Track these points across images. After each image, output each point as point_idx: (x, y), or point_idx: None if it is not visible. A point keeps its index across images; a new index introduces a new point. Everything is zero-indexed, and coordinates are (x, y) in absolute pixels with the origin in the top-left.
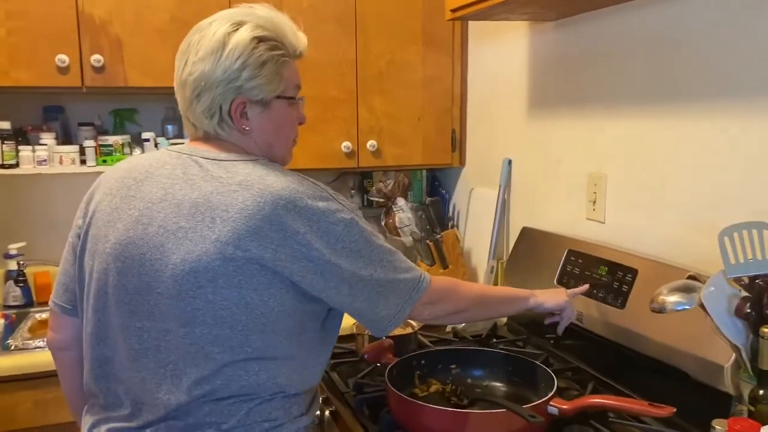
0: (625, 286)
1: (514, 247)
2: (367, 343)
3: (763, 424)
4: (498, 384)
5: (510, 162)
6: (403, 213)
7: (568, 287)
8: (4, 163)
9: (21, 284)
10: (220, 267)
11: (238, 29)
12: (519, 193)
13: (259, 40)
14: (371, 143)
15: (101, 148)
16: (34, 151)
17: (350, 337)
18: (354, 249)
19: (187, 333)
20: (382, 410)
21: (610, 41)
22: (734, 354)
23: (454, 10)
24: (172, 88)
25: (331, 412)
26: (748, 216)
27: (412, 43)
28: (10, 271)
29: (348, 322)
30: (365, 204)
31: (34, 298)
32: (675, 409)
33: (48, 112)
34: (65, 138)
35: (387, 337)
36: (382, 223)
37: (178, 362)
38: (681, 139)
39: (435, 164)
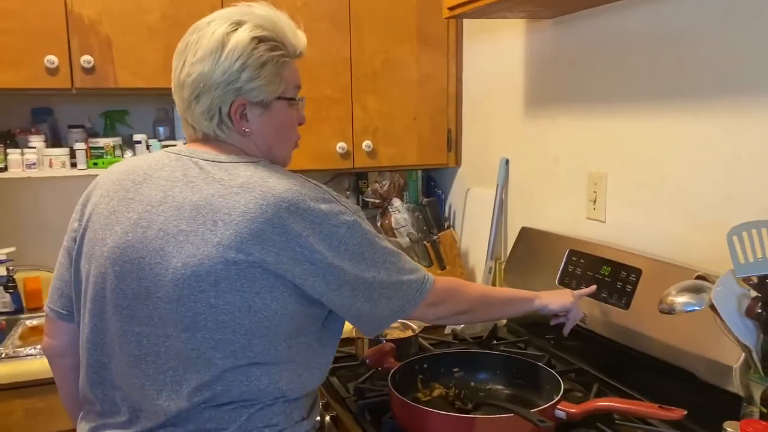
0: (629, 286)
1: (513, 247)
2: (367, 346)
3: None
4: (501, 387)
5: (507, 161)
6: (399, 214)
7: (569, 287)
8: None
9: (11, 290)
10: (223, 271)
11: (237, 29)
12: (517, 192)
13: (259, 40)
14: (366, 143)
15: (92, 151)
16: (23, 154)
17: (349, 341)
18: (357, 251)
19: (187, 338)
20: (385, 416)
21: (607, 39)
22: (743, 354)
23: (451, 8)
24: (163, 88)
25: (331, 418)
26: (749, 215)
27: (407, 41)
28: None
29: (348, 325)
30: (361, 205)
31: (24, 305)
32: (686, 412)
33: (36, 114)
34: (54, 141)
35: (387, 340)
36: (378, 224)
37: (178, 368)
38: (680, 137)
39: (430, 164)
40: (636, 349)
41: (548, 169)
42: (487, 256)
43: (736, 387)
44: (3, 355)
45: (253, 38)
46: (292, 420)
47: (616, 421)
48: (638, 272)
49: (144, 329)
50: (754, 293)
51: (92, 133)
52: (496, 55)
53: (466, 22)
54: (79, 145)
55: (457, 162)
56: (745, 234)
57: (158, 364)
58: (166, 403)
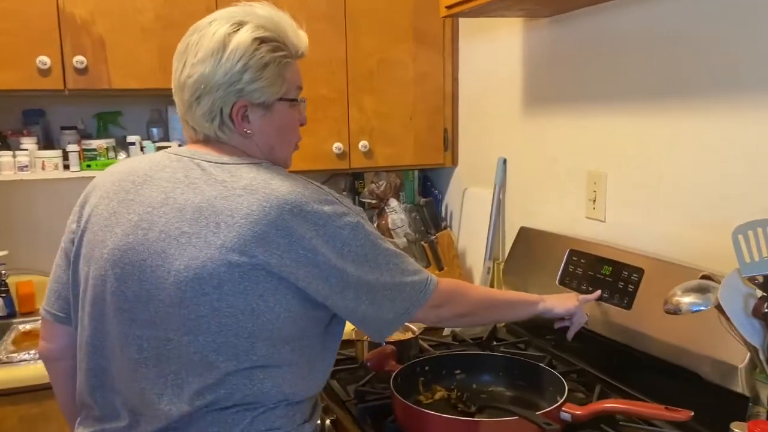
0: (631, 285)
1: (512, 247)
2: (367, 349)
3: None
4: (503, 389)
5: (505, 161)
6: (396, 214)
7: (570, 287)
8: None
9: (3, 294)
10: (226, 273)
11: (238, 30)
12: (514, 192)
13: (261, 41)
14: (363, 144)
15: (85, 153)
16: (14, 156)
17: (349, 343)
18: (360, 253)
19: (189, 341)
20: (386, 419)
21: (605, 38)
22: (749, 354)
23: (449, 7)
24: (157, 89)
25: (332, 421)
26: (747, 214)
27: (403, 40)
28: None
29: (348, 327)
30: (357, 206)
31: (17, 309)
32: (692, 413)
33: (28, 116)
34: (47, 143)
35: (388, 342)
36: (375, 225)
37: (180, 372)
38: (679, 136)
39: (427, 164)
40: (638, 349)
41: (546, 169)
42: (485, 256)
43: (741, 387)
44: None
45: (255, 39)
46: (294, 423)
47: (620, 423)
48: (640, 272)
49: (145, 332)
50: (760, 293)
51: (85, 135)
52: (493, 54)
53: (462, 20)
54: (72, 147)
55: (454, 162)
56: (750, 233)
57: (159, 367)
58: (167, 407)
